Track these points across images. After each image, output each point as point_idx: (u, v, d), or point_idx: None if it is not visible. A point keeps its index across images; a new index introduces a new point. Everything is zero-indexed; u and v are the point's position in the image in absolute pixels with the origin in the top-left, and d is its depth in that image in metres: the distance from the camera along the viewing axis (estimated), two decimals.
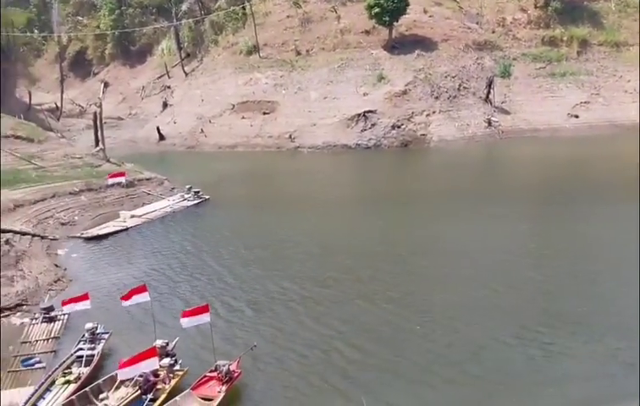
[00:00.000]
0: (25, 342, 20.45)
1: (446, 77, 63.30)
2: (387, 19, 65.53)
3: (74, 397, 16.54)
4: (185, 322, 17.84)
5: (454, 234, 30.63)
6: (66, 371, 18.12)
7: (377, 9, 65.28)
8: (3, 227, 30.01)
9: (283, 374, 17.80)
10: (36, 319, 21.96)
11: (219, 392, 16.57)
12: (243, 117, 65.28)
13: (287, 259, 28.21)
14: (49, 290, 24.92)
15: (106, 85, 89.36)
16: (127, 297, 19.24)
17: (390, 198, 40.49)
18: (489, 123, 59.16)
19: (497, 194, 38.90)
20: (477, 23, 70.58)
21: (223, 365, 16.99)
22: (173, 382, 17.10)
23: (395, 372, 17.67)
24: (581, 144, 54.56)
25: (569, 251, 27.58)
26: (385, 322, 20.85)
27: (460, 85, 62.94)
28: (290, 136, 60.70)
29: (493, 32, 69.95)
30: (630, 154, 51.57)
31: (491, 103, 61.43)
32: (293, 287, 24.35)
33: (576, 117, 61.13)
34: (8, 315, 22.54)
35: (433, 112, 60.12)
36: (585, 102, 62.75)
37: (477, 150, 56.05)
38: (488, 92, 61.76)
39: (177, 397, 16.44)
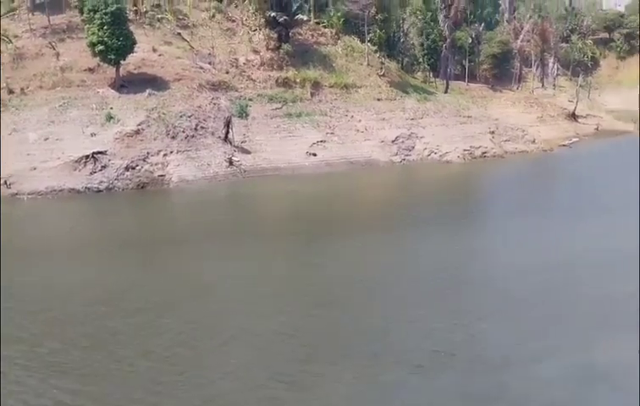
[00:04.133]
0: None
1: (181, 117, 58.34)
2: (112, 56, 59.48)
3: None
4: None
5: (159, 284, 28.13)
6: None
7: (100, 47, 58.51)
8: None
9: None
10: None
11: None
12: None
13: None
14: None
15: None
16: None
17: (114, 245, 36.04)
18: (230, 162, 55.29)
19: (237, 233, 37.93)
20: (210, 63, 66.76)
21: None
22: None
23: None
24: (319, 180, 54.51)
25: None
26: None
27: (197, 125, 58.48)
28: (6, 182, 52.02)
29: (227, 73, 66.67)
30: (364, 187, 54.61)
31: (231, 143, 57.46)
32: None
33: (314, 155, 59.63)
34: None
35: (171, 152, 54.50)
36: (321, 141, 61.69)
37: (219, 189, 51.84)
38: (227, 132, 58.11)
39: None
